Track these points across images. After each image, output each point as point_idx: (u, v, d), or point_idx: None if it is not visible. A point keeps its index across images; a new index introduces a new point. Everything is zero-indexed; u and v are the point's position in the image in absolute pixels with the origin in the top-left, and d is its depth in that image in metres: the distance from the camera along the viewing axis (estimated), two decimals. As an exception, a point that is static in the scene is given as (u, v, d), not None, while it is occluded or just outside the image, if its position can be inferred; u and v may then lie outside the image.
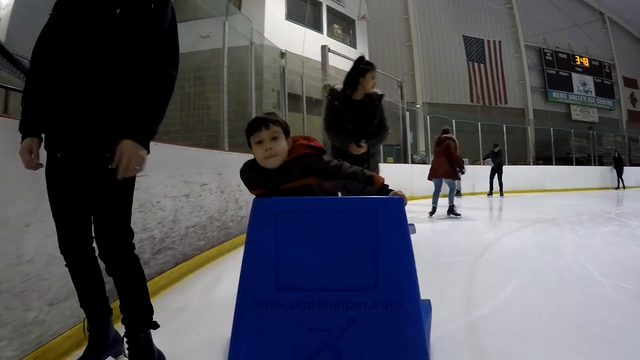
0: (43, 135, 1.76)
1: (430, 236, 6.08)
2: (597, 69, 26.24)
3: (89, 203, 1.71)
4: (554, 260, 4.05)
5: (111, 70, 1.68)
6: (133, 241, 1.83)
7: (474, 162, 15.69)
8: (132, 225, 2.76)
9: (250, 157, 1.90)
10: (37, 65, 1.77)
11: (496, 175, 13.40)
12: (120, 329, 1.90)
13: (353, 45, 16.92)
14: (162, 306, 2.83)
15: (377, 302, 1.50)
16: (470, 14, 23.34)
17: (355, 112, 3.55)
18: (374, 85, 3.62)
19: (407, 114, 14.41)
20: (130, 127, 1.68)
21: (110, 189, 1.70)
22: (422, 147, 16.65)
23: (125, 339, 1.82)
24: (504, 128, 18.07)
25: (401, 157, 14.17)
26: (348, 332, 1.49)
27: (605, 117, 26.00)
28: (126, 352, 1.83)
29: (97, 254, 1.78)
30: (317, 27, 15.38)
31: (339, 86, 3.64)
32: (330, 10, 16.04)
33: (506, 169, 15.51)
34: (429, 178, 7.88)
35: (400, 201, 1.64)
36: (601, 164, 20.73)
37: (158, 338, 1.92)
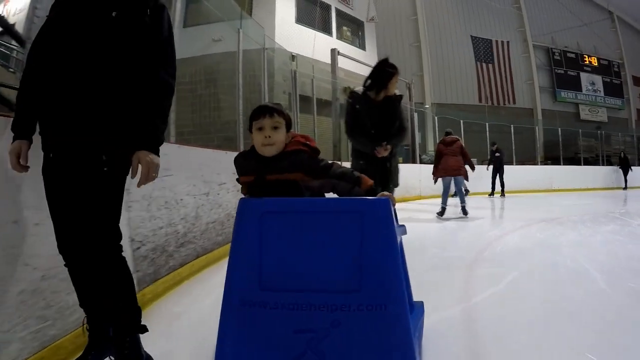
0: (35, 137, 1.78)
1: (436, 234, 6.27)
2: (606, 68, 26.08)
3: (80, 203, 1.68)
4: (552, 256, 4.23)
5: (106, 70, 1.69)
6: (121, 243, 1.83)
7: (482, 162, 15.78)
8: (158, 221, 3.07)
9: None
10: (32, 65, 1.78)
11: (497, 175, 13.08)
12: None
13: (362, 47, 17.06)
14: (186, 293, 3.14)
15: (361, 305, 1.47)
16: (478, 14, 23.34)
17: (377, 115, 3.51)
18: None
19: (416, 114, 14.58)
20: (140, 138, 1.73)
21: (103, 191, 1.71)
22: (430, 147, 16.74)
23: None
24: (512, 128, 18.10)
25: (410, 157, 14.36)
26: (332, 335, 1.47)
27: (614, 116, 25.83)
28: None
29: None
30: (327, 30, 15.55)
31: (359, 88, 3.60)
32: (339, 12, 16.20)
33: (514, 169, 15.55)
34: (440, 176, 7.77)
35: (387, 202, 1.62)
36: (609, 163, 20.58)
37: (190, 318, 2.10)
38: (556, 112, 23.62)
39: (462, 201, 7.88)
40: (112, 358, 1.82)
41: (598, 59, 25.90)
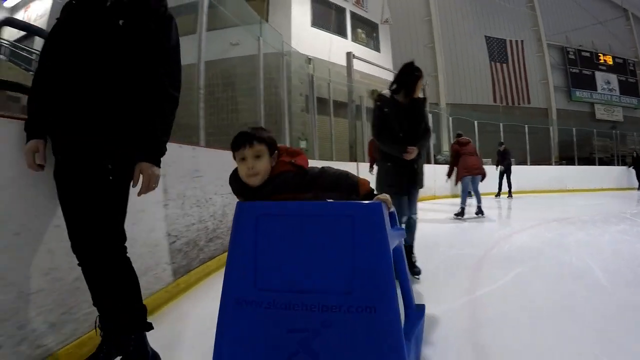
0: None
1: (448, 232, 6.44)
2: (621, 67, 25.80)
3: (86, 206, 1.73)
4: (558, 254, 4.40)
5: (111, 75, 1.74)
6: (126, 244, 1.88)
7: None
8: (190, 217, 3.36)
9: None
10: (44, 67, 1.82)
11: (505, 175, 12.64)
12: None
13: (377, 49, 17.22)
14: (214, 284, 3.42)
15: (352, 307, 1.50)
16: (491, 14, 23.27)
17: (405, 118, 3.53)
18: None
19: (430, 115, 14.69)
20: (143, 149, 1.81)
21: (108, 196, 1.76)
22: (445, 147, 16.79)
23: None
24: (526, 128, 18.05)
25: (424, 157, 14.41)
26: (323, 335, 1.50)
27: (630, 115, 25.54)
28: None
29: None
30: (342, 33, 15.74)
31: (386, 92, 3.61)
32: (353, 15, 16.37)
33: (527, 169, 15.56)
34: (463, 176, 7.65)
35: (379, 206, 1.63)
36: (624, 164, 20.31)
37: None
38: (571, 112, 23.52)
39: (479, 201, 7.86)
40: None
41: (613, 58, 25.61)
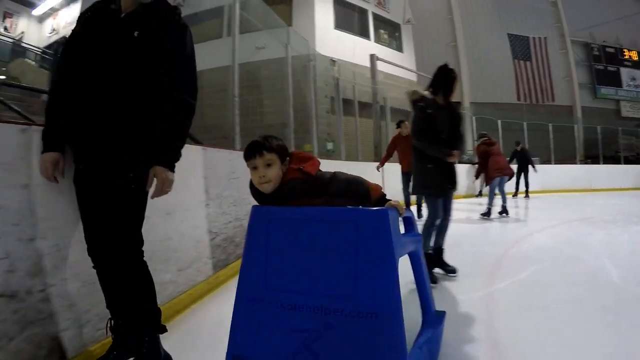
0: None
1: (469, 232, 6.53)
2: (647, 63, 25.08)
3: (106, 212, 1.78)
4: (576, 252, 4.55)
5: (130, 84, 1.80)
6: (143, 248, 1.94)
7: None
8: (228, 216, 3.65)
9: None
10: (62, 77, 1.86)
11: (522, 175, 12.36)
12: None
13: (399, 49, 17.38)
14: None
15: (353, 311, 1.53)
16: (513, 11, 22.89)
17: (446, 120, 3.57)
18: None
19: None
20: (158, 154, 1.87)
21: (127, 203, 1.83)
22: (469, 147, 16.77)
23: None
24: (550, 127, 17.86)
25: (447, 156, 14.48)
26: (325, 337, 1.55)
27: (658, 113, 24.92)
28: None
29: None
30: (364, 34, 15.93)
31: (426, 93, 3.62)
32: (375, 16, 16.56)
33: (552, 168, 15.39)
34: (496, 176, 7.62)
35: (384, 213, 1.65)
36: (651, 162, 20.07)
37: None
38: (596, 109, 23.07)
39: (504, 201, 7.86)
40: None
41: (638, 53, 24.92)
